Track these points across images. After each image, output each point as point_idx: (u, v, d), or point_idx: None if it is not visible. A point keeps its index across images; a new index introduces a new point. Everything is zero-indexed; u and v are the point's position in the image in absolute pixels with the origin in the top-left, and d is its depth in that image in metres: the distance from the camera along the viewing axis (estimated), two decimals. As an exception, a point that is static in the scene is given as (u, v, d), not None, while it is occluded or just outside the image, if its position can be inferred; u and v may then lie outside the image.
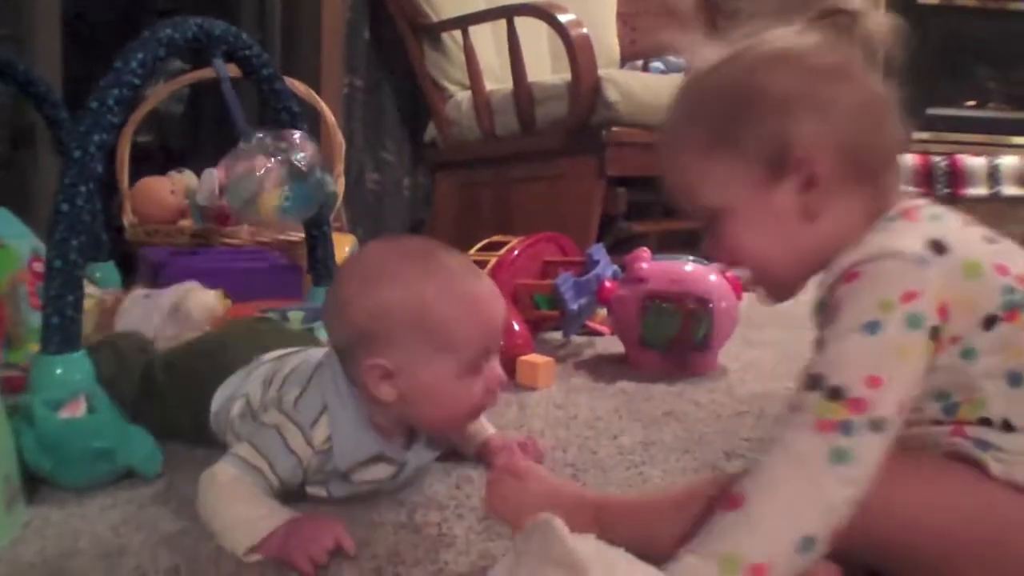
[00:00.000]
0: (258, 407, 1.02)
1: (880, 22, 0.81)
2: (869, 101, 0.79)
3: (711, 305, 1.64)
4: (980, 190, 3.51)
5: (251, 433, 0.96)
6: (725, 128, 0.78)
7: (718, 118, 0.79)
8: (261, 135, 1.54)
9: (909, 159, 3.78)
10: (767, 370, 1.70)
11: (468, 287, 0.93)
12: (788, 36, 0.81)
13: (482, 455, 1.12)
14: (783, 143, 0.76)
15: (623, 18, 3.88)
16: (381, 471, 0.99)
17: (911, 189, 3.74)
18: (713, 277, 1.69)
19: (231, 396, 1.08)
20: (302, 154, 1.55)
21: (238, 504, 0.88)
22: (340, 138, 2.32)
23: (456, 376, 0.91)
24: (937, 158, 3.76)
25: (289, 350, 1.12)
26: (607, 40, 3.46)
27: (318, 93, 2.79)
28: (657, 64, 3.68)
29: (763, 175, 0.77)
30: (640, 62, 3.57)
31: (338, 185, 2.28)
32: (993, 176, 3.50)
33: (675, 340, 1.64)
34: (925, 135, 4.17)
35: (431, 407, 0.93)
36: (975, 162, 3.51)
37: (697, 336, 1.64)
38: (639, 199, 2.63)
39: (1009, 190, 3.49)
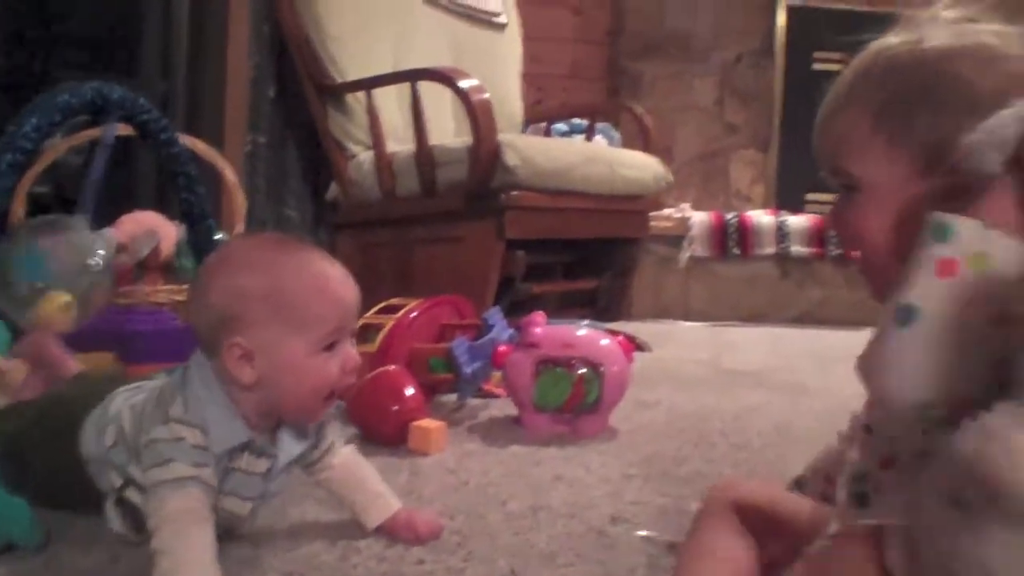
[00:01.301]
0: (134, 433, 1.00)
1: None
2: None
3: (602, 369, 1.68)
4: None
5: (150, 456, 0.94)
6: (904, 106, 0.76)
7: (901, 93, 0.76)
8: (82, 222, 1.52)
9: (804, 220, 3.92)
10: (657, 431, 1.74)
11: (319, 269, 0.99)
12: (998, 35, 0.75)
13: (384, 530, 1.13)
14: (951, 142, 0.71)
15: (528, 78, 3.96)
16: (256, 464, 1.01)
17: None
18: (605, 342, 1.74)
19: (98, 431, 1.06)
20: (97, 257, 1.53)
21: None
22: (241, 198, 2.32)
23: (311, 354, 0.96)
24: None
25: (139, 383, 1.12)
26: (510, 103, 3.53)
27: (221, 149, 2.80)
28: (560, 126, 3.77)
29: (918, 165, 0.75)
30: (543, 124, 3.65)
31: (237, 244, 2.28)
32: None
33: (566, 404, 1.68)
34: (820, 196, 4.33)
35: (289, 385, 0.97)
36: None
37: (588, 400, 1.68)
38: (538, 261, 2.68)
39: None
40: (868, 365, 0.65)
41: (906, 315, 0.63)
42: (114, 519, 1.04)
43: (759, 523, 0.91)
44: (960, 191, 0.70)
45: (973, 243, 0.63)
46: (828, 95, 0.83)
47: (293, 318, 0.95)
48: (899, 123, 0.75)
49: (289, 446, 1.05)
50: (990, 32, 0.75)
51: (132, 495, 1.00)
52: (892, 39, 0.79)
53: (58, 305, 1.49)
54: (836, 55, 4.25)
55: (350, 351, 1.00)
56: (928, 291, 0.63)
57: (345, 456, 1.14)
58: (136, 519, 1.00)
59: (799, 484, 1.01)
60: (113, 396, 1.10)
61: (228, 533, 1.03)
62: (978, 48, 0.74)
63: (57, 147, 2.38)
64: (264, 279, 0.95)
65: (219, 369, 0.97)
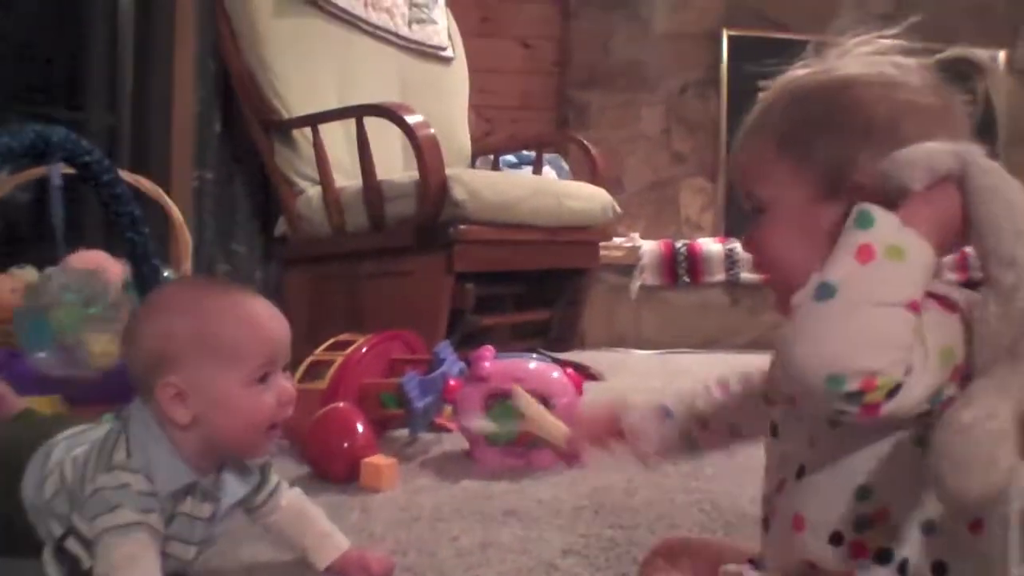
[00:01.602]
0: (76, 484, 1.00)
1: (1000, 82, 0.81)
2: None
3: (553, 402, 1.69)
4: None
5: (96, 505, 0.93)
6: (803, 131, 0.80)
7: (801, 119, 0.80)
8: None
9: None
10: (608, 463, 1.72)
11: (246, 306, 1.01)
12: (898, 66, 0.80)
13: (335, 570, 1.13)
14: (849, 165, 0.76)
15: (477, 110, 3.99)
16: (200, 508, 1.01)
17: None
18: (556, 374, 1.75)
19: (39, 481, 1.05)
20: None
21: None
22: (187, 236, 2.30)
23: (243, 387, 0.97)
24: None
25: (81, 427, 1.11)
26: (458, 136, 3.55)
27: (168, 184, 2.78)
28: (509, 157, 3.79)
29: (819, 188, 0.78)
30: (491, 157, 3.67)
31: (185, 283, 2.26)
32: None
33: (518, 437, 1.68)
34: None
35: (225, 420, 0.97)
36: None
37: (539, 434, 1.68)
38: (488, 293, 2.69)
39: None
40: (783, 337, 0.67)
41: (823, 291, 0.66)
42: (52, 568, 1.02)
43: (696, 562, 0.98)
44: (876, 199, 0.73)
45: (890, 235, 0.67)
46: (743, 124, 0.87)
47: (223, 354, 0.96)
48: (802, 147, 0.79)
49: (233, 488, 1.05)
50: (890, 63, 0.80)
51: (72, 545, 0.99)
52: (800, 70, 0.84)
53: (106, 343, 1.50)
54: (780, 84, 4.33)
55: (284, 383, 1.01)
56: (846, 272, 0.66)
57: (291, 498, 1.14)
58: (74, 570, 1.00)
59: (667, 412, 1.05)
60: (54, 444, 1.09)
61: None
62: (878, 77, 0.79)
63: (2, 185, 2.36)
64: (192, 319, 0.97)
65: (156, 411, 0.97)
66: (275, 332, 1.01)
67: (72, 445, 1.06)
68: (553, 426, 1.12)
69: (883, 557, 0.73)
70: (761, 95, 0.86)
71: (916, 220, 0.68)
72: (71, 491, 0.99)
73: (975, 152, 0.70)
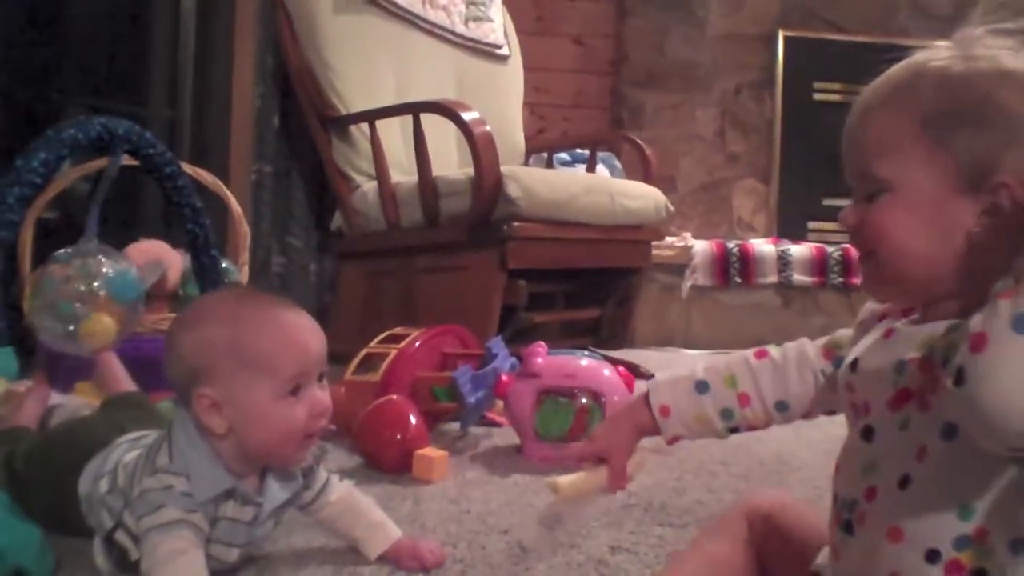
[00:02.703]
0: (125, 483, 1.04)
1: None
2: None
3: (603, 399, 1.70)
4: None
5: (142, 506, 0.97)
6: (946, 121, 0.76)
7: (945, 109, 0.76)
8: (72, 251, 1.56)
9: (806, 249, 3.95)
10: (658, 461, 1.74)
11: (281, 318, 1.02)
12: None
13: (387, 558, 1.15)
14: (993, 162, 0.73)
15: (531, 107, 4.00)
16: (242, 512, 1.03)
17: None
18: (607, 372, 1.75)
19: (95, 477, 1.09)
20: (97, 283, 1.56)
21: None
22: (245, 228, 2.34)
23: (275, 399, 0.98)
24: (831, 248, 3.93)
25: (143, 432, 1.15)
26: (513, 134, 3.56)
27: (227, 178, 2.82)
28: (562, 155, 3.80)
29: (956, 180, 0.74)
30: (545, 155, 3.68)
31: (242, 274, 2.30)
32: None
33: (569, 433, 1.69)
34: (822, 225, 4.37)
35: (258, 432, 0.99)
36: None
37: (590, 429, 1.69)
38: (540, 290, 2.70)
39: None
40: (975, 368, 0.62)
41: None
42: (100, 557, 1.07)
43: (765, 531, 0.96)
44: (999, 211, 0.72)
45: None
46: (861, 100, 0.82)
47: (256, 366, 0.98)
48: (946, 133, 0.75)
49: (275, 493, 1.07)
50: None
51: (121, 537, 1.03)
52: (940, 51, 0.80)
53: (103, 325, 1.53)
54: (835, 85, 4.30)
55: (318, 395, 1.02)
56: None
57: (342, 492, 1.16)
58: (122, 560, 1.03)
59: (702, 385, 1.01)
60: (117, 444, 1.13)
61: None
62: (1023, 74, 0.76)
63: (66, 176, 2.41)
64: (227, 330, 0.99)
65: (195, 420, 1.00)
66: (308, 344, 1.02)
67: (129, 449, 1.11)
68: (591, 482, 1.08)
69: None
70: (891, 71, 0.81)
71: None
72: (123, 492, 1.03)
73: None
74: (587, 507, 1.19)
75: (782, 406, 0.99)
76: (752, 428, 1.02)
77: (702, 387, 1.01)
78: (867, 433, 0.80)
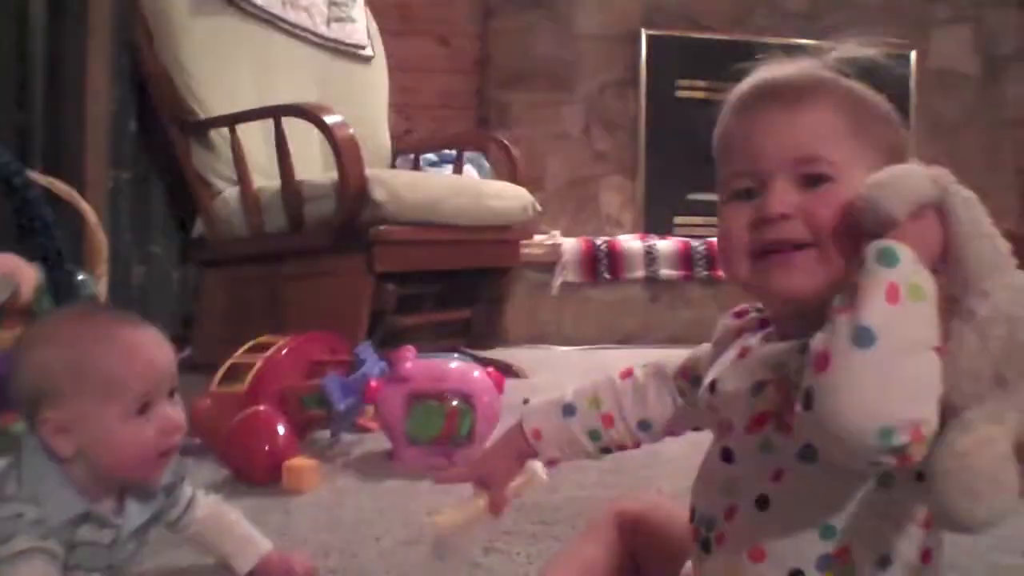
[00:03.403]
0: None
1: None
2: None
3: (474, 401, 1.71)
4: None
5: None
6: (864, 117, 0.79)
7: (860, 107, 0.80)
8: None
9: (672, 243, 4.04)
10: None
11: (122, 334, 0.99)
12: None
13: (258, 573, 1.13)
14: (901, 149, 0.79)
15: (397, 108, 3.98)
16: (100, 535, 1.00)
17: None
18: (476, 374, 1.76)
19: None
20: None
21: None
22: (102, 237, 2.26)
23: (123, 420, 0.96)
24: (696, 242, 4.03)
25: None
26: (379, 135, 3.53)
27: (83, 185, 2.72)
28: (430, 156, 3.79)
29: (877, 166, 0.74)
30: (412, 156, 3.67)
31: (101, 286, 2.23)
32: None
33: (440, 436, 1.69)
34: (688, 220, 4.47)
35: (107, 454, 0.96)
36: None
37: (462, 432, 1.70)
38: (409, 293, 2.69)
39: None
40: (824, 386, 0.64)
41: (863, 338, 0.63)
42: None
43: (636, 533, 0.98)
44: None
45: (911, 273, 0.66)
46: (787, 82, 0.81)
47: (100, 388, 0.95)
48: (863, 131, 0.78)
49: (134, 513, 1.04)
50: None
51: None
52: (853, 47, 0.83)
53: None
54: (699, 82, 4.41)
55: (168, 412, 0.99)
56: (881, 316, 0.64)
57: (209, 507, 1.14)
58: None
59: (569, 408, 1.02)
60: None
61: None
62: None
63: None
64: (67, 352, 0.96)
65: (42, 443, 0.97)
66: (154, 360, 0.99)
67: None
68: (472, 512, 1.08)
69: None
70: (802, 66, 0.83)
71: (916, 255, 0.67)
72: None
73: (951, 179, 0.70)
74: (472, 535, 1.19)
75: (644, 425, 1.01)
76: (622, 448, 1.03)
77: (568, 410, 1.01)
78: (726, 454, 0.81)
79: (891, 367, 0.63)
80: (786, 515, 0.74)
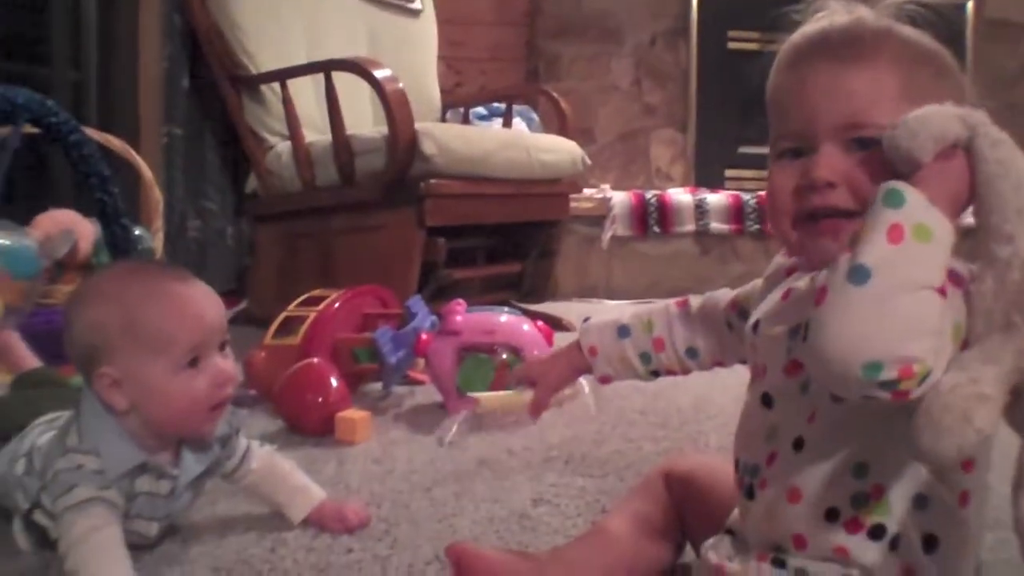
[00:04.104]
0: (41, 466, 1.03)
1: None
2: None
3: (523, 354, 1.72)
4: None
5: (56, 488, 0.97)
6: (920, 73, 0.77)
7: (917, 62, 0.78)
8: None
9: (722, 197, 4.00)
10: (578, 413, 1.77)
11: (170, 289, 1.01)
12: None
13: (312, 521, 1.16)
14: (960, 101, 0.73)
15: (447, 61, 3.97)
16: (158, 485, 1.04)
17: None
18: (526, 327, 1.77)
19: (12, 459, 1.10)
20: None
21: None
22: (157, 194, 2.30)
23: (173, 373, 0.98)
24: (747, 196, 3.99)
25: (59, 413, 1.14)
26: (428, 90, 3.53)
27: (137, 141, 2.76)
28: (479, 110, 3.79)
29: None
30: (462, 109, 3.66)
31: (157, 241, 2.27)
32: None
33: (489, 389, 1.71)
34: (739, 173, 4.42)
35: (159, 407, 0.99)
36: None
37: (511, 385, 1.71)
38: (459, 246, 2.70)
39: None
40: (815, 319, 0.65)
41: (858, 274, 0.64)
42: (21, 536, 1.07)
43: (683, 491, 0.99)
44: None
45: (918, 214, 0.66)
46: (825, 49, 0.79)
47: (149, 341, 0.97)
48: (923, 81, 0.76)
49: (191, 465, 1.07)
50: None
51: (40, 517, 1.03)
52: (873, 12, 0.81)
53: None
54: (750, 34, 4.34)
55: (219, 364, 1.01)
56: (879, 254, 0.64)
57: (263, 458, 1.16)
58: (42, 539, 1.04)
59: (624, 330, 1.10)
60: (31, 428, 1.13)
61: (137, 549, 1.04)
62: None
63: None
64: (117, 308, 0.98)
65: (97, 397, 1.00)
66: (202, 314, 1.01)
67: (44, 431, 1.10)
68: (513, 402, 1.14)
69: (876, 533, 0.72)
70: (852, 23, 0.80)
71: (936, 196, 0.67)
72: (39, 474, 1.02)
73: (983, 120, 0.69)
74: (504, 418, 1.25)
75: (692, 352, 1.06)
76: (671, 372, 1.09)
77: (623, 331, 1.09)
78: (766, 399, 0.82)
79: (884, 304, 0.63)
80: (819, 455, 0.75)
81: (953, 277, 0.68)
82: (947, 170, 0.68)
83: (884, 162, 0.72)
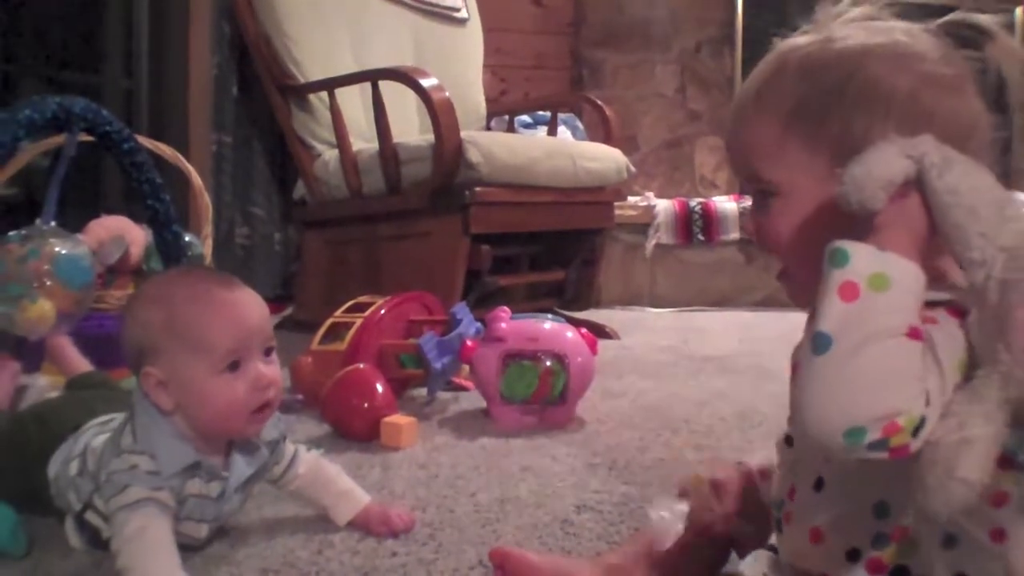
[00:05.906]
0: (94, 467, 1.05)
1: (1011, 49, 0.74)
2: (968, 125, 0.72)
3: (567, 361, 1.73)
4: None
5: (110, 488, 0.99)
6: (815, 107, 0.74)
7: (812, 94, 0.74)
8: (26, 233, 1.55)
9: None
10: (622, 421, 1.78)
11: (214, 292, 1.03)
12: (908, 34, 0.75)
13: (357, 524, 1.18)
14: (867, 141, 0.69)
15: (492, 69, 3.99)
16: (208, 488, 1.05)
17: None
18: (570, 334, 1.78)
19: (66, 459, 1.12)
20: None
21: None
22: (207, 200, 2.33)
23: (214, 375, 1.00)
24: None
25: (113, 415, 1.17)
26: (473, 97, 3.55)
27: (187, 148, 2.80)
28: (524, 118, 3.80)
29: (834, 167, 0.69)
30: (507, 117, 3.68)
31: (206, 247, 2.30)
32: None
33: (533, 396, 1.72)
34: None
35: (199, 407, 1.01)
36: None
37: (555, 391, 1.72)
38: (504, 254, 2.72)
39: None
40: (792, 399, 0.65)
41: (819, 343, 0.63)
42: (73, 536, 1.10)
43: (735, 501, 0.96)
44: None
45: (868, 266, 0.64)
46: (736, 100, 0.80)
47: (189, 342, 1.00)
48: (813, 123, 0.73)
49: (240, 467, 1.09)
50: (901, 30, 0.75)
51: (92, 517, 1.06)
52: (800, 39, 0.77)
53: (41, 312, 1.52)
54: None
55: (260, 368, 1.02)
56: (835, 316, 0.63)
57: (310, 462, 1.18)
58: (94, 539, 1.07)
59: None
60: (85, 429, 1.15)
61: (187, 551, 1.05)
62: (892, 47, 0.73)
63: (23, 154, 2.39)
64: (162, 310, 1.01)
65: (145, 397, 1.02)
66: (245, 319, 1.03)
67: (97, 432, 1.13)
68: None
69: (900, 574, 0.71)
70: (759, 66, 0.79)
71: (891, 241, 0.65)
72: (93, 475, 1.05)
73: (927, 147, 0.66)
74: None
75: None
76: None
77: None
78: (788, 439, 0.82)
79: (850, 365, 0.62)
80: (839, 495, 0.74)
81: (953, 309, 0.68)
82: (904, 210, 0.66)
83: (780, 210, 0.74)
